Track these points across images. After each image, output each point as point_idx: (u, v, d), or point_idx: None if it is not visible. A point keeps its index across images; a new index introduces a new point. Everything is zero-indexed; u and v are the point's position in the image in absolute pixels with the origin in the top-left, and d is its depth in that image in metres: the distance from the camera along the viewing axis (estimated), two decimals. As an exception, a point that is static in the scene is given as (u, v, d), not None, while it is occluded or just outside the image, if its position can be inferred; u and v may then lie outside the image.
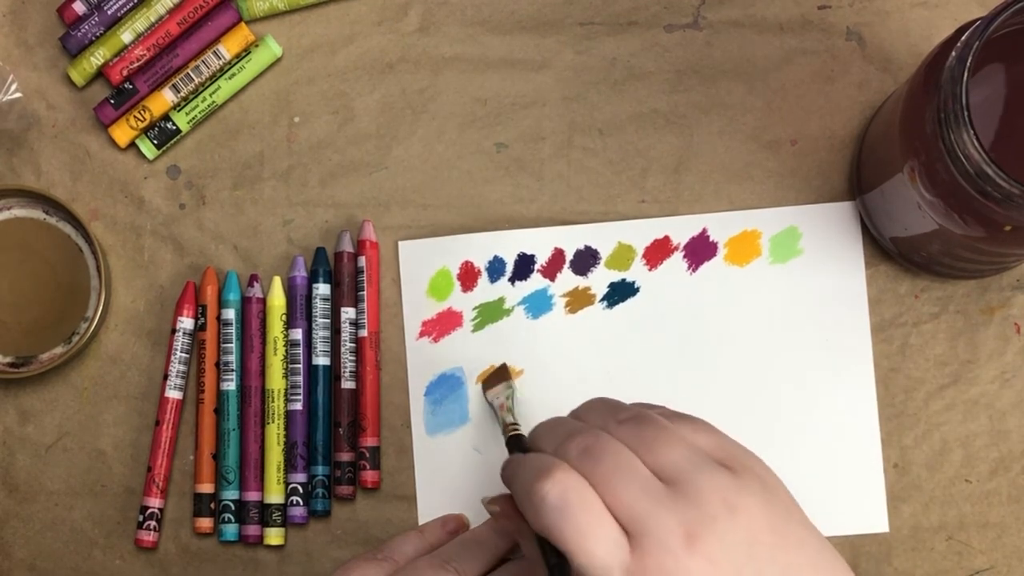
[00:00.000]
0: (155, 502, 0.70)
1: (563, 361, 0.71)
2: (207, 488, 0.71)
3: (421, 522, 0.70)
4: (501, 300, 0.71)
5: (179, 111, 0.72)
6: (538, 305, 0.71)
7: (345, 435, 0.70)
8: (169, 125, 0.72)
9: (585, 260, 0.71)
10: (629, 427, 0.54)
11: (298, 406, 0.71)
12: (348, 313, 0.71)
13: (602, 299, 0.71)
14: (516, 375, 0.71)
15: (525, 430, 0.63)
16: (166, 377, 0.71)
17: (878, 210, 0.67)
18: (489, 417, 0.71)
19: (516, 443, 0.63)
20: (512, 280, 0.71)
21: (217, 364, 0.71)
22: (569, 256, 0.71)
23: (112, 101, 0.72)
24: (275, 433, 0.71)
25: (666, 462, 0.53)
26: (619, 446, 0.53)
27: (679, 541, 0.51)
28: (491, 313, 0.71)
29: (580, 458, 0.53)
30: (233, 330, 0.71)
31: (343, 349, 0.71)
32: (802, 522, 0.54)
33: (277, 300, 0.71)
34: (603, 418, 0.55)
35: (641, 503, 0.51)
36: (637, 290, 0.71)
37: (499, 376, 0.70)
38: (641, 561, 0.51)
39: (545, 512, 0.52)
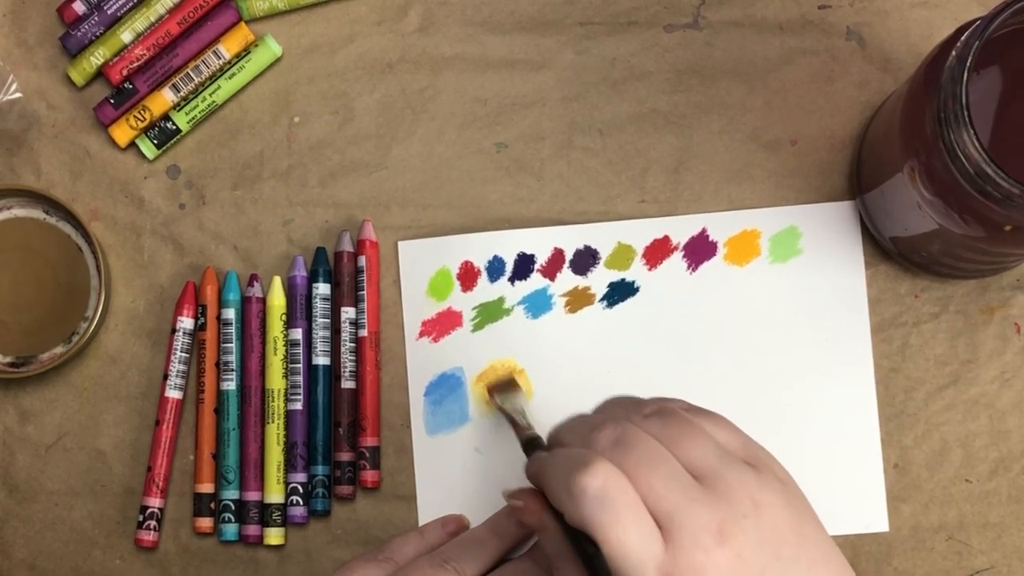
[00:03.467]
0: (155, 502, 0.70)
1: (563, 361, 0.71)
2: (207, 488, 0.71)
3: (421, 522, 0.70)
4: (501, 300, 0.71)
5: (179, 111, 0.72)
6: (538, 305, 0.71)
7: (345, 435, 0.70)
8: (169, 125, 0.71)
9: (585, 260, 0.71)
10: (654, 421, 0.54)
11: (298, 406, 0.71)
12: (348, 313, 0.71)
13: (602, 299, 0.71)
14: (518, 374, 0.70)
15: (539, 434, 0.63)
16: (166, 377, 0.71)
17: (878, 210, 0.67)
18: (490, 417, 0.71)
19: (535, 445, 0.62)
20: (512, 280, 0.71)
21: (217, 364, 0.71)
22: (569, 256, 0.71)
23: (112, 101, 0.72)
24: (275, 433, 0.71)
25: (694, 457, 0.53)
26: (649, 437, 0.53)
27: (711, 537, 0.51)
28: (491, 313, 0.71)
29: (612, 449, 0.53)
30: (233, 330, 0.71)
31: (343, 349, 0.71)
32: (815, 520, 0.54)
33: (277, 300, 0.71)
34: (627, 412, 0.55)
35: (675, 496, 0.51)
36: (637, 290, 0.71)
37: (509, 385, 0.69)
38: (675, 557, 0.50)
39: (585, 504, 0.51)
